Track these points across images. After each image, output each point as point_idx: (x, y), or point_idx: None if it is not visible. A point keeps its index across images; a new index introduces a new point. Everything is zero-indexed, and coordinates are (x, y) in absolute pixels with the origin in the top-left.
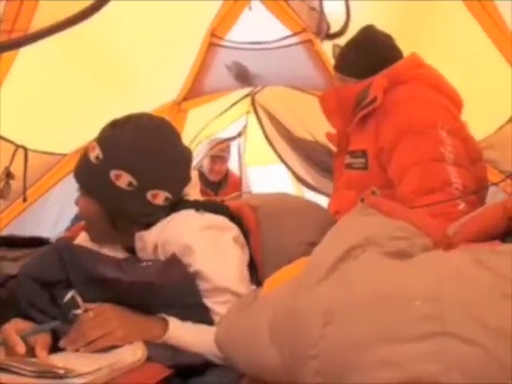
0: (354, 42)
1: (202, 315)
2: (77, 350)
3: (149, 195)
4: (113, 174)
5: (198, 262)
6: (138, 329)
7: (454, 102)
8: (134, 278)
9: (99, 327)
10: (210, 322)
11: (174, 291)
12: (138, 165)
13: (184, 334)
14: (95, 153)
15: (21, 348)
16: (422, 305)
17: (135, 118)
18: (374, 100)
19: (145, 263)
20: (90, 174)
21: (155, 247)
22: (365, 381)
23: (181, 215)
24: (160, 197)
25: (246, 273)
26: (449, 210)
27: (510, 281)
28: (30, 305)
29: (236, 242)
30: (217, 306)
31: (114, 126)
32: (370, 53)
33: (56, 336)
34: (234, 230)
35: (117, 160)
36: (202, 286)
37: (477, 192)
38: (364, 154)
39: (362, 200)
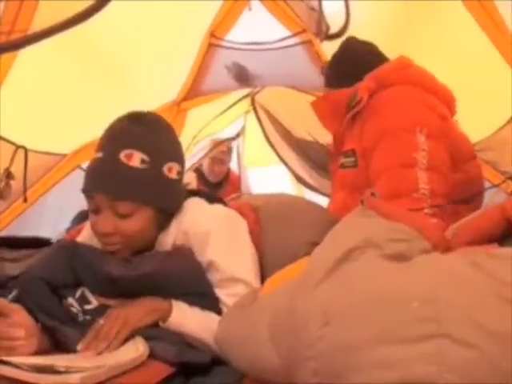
0: (334, 57)
1: (210, 305)
2: (100, 353)
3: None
4: (165, 168)
5: (214, 251)
6: (148, 309)
7: (444, 99)
8: (137, 271)
9: (114, 322)
10: (219, 313)
11: (179, 279)
12: (175, 149)
13: (188, 313)
14: (138, 158)
15: None
16: (418, 306)
17: (138, 113)
18: (360, 101)
19: (148, 254)
20: (144, 181)
21: (173, 245)
22: (362, 381)
23: (190, 204)
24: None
25: (258, 267)
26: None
27: (506, 284)
28: (37, 308)
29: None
30: (227, 297)
31: (132, 126)
32: (348, 62)
33: (55, 337)
34: (245, 223)
35: (163, 154)
36: (215, 276)
37: (466, 200)
38: (353, 152)
39: (362, 202)
